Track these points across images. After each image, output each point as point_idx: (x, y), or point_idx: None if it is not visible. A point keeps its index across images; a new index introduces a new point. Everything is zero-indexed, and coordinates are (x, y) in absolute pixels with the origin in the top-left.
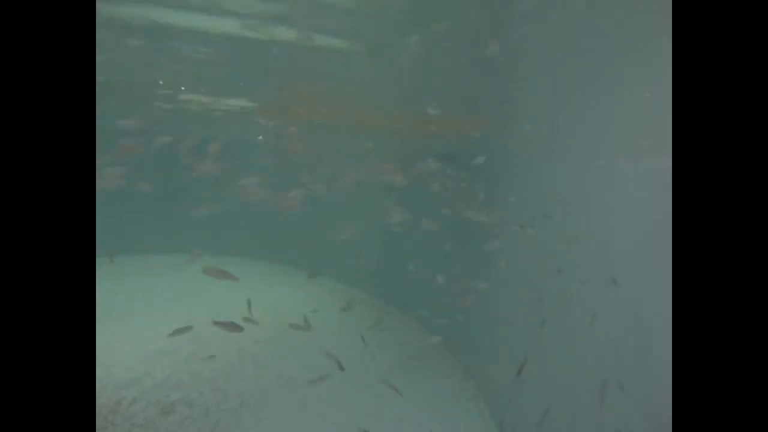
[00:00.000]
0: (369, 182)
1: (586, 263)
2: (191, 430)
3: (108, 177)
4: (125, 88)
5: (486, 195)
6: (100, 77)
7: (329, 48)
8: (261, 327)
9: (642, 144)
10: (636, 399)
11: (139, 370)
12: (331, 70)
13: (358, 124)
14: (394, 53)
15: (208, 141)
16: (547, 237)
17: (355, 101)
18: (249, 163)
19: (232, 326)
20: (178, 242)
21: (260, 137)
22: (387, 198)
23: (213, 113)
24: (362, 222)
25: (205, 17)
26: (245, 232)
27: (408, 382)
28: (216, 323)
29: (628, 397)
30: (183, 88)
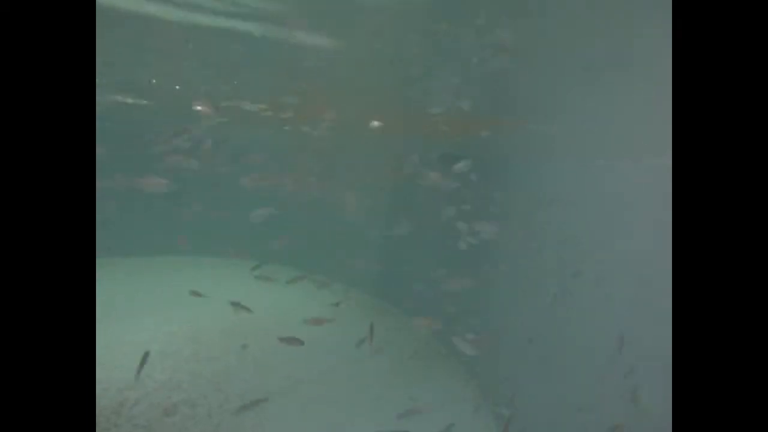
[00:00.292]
0: (371, 183)
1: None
2: (193, 431)
3: (155, 185)
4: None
5: (485, 196)
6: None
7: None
8: (261, 327)
9: (642, 144)
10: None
11: (141, 371)
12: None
13: (370, 125)
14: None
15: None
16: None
17: (365, 101)
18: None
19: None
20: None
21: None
22: (389, 199)
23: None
24: (363, 223)
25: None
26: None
27: (408, 382)
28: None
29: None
30: (178, 87)
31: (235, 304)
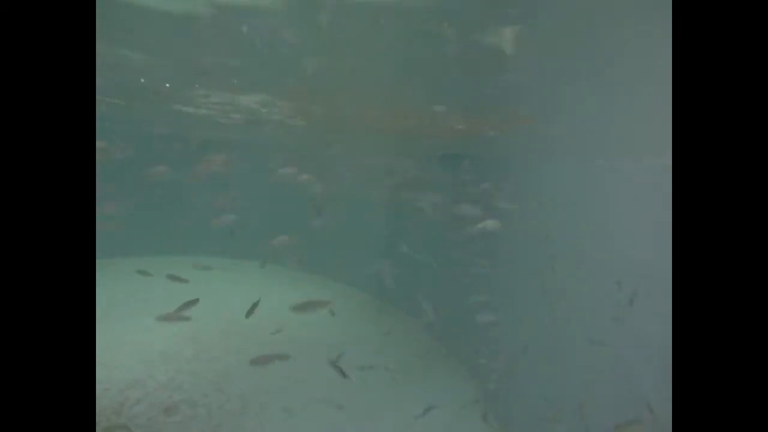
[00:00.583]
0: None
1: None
2: (194, 430)
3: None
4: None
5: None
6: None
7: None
8: (262, 329)
9: (642, 144)
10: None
11: (141, 372)
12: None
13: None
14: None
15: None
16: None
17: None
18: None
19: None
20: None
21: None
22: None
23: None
24: (364, 222)
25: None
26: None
27: (409, 382)
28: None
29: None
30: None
31: (250, 311)
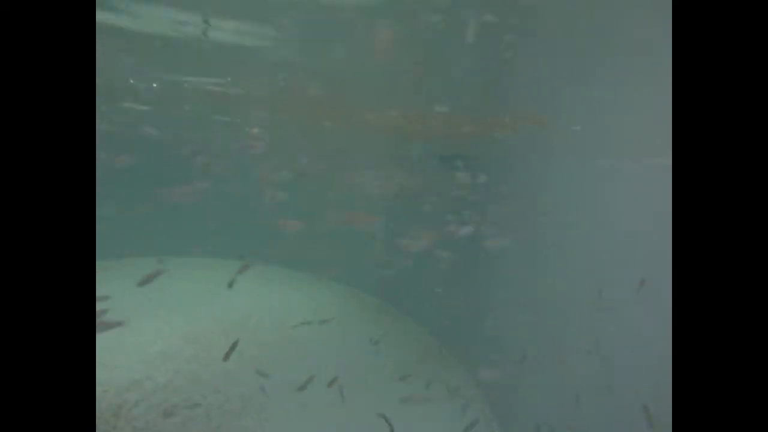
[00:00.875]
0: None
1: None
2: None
3: (183, 194)
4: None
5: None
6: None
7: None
8: (262, 329)
9: (643, 144)
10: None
11: (140, 373)
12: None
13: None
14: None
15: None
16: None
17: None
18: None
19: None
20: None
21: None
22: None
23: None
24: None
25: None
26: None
27: (409, 382)
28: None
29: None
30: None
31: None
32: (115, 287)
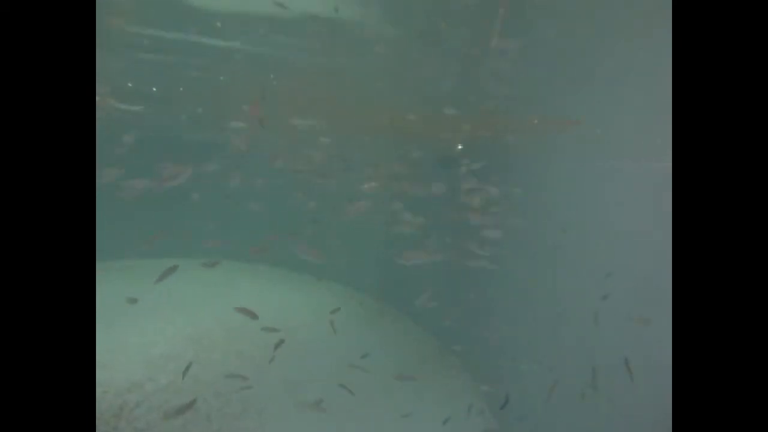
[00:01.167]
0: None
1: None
2: None
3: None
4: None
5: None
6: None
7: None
8: (262, 330)
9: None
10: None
11: (141, 375)
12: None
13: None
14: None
15: None
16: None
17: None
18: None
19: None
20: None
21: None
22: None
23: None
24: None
25: None
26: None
27: (408, 384)
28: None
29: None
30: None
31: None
32: (115, 287)
